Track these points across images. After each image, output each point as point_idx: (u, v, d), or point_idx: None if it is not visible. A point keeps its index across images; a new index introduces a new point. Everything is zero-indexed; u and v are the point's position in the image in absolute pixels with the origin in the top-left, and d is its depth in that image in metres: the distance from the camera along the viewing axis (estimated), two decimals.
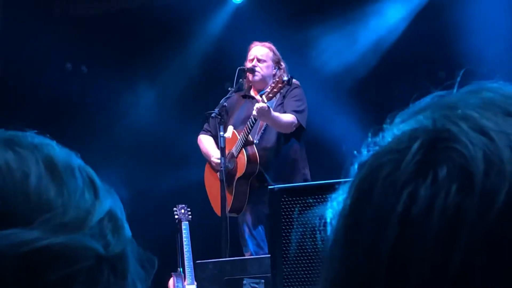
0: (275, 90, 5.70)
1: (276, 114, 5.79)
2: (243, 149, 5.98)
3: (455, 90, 0.77)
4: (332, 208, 0.78)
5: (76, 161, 1.01)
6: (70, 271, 0.88)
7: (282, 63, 6.14)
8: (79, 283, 0.89)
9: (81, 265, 0.90)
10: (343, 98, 7.91)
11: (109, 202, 1.00)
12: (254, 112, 5.68)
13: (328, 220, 0.78)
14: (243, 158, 5.99)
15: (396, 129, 0.75)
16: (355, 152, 0.83)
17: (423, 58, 7.91)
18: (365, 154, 0.77)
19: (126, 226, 1.02)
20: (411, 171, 0.68)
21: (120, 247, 0.98)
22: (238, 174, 6.03)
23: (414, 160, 0.68)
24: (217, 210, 6.07)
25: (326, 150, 7.55)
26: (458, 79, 0.81)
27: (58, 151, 1.00)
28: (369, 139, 0.78)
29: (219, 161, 5.96)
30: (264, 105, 5.62)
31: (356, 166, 0.77)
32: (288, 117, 5.86)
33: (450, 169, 0.66)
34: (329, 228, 0.78)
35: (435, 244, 0.65)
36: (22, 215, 0.90)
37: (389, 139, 0.74)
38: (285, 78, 5.70)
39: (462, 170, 0.66)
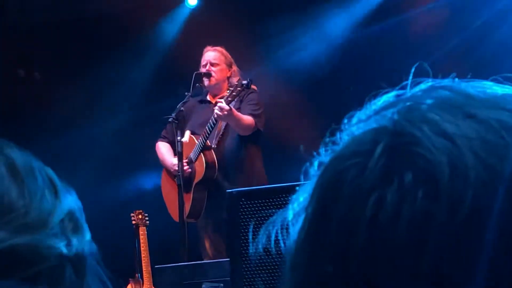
0: (234, 93, 5.70)
1: (238, 114, 5.78)
2: (201, 154, 5.97)
3: (409, 89, 0.76)
4: (293, 210, 0.77)
5: (36, 162, 1.01)
6: (34, 270, 0.88)
7: (234, 66, 6.16)
8: (43, 283, 0.89)
9: (45, 264, 0.89)
10: (300, 99, 7.95)
11: (69, 202, 1.00)
12: (217, 111, 5.64)
13: (289, 222, 0.78)
14: (201, 163, 5.98)
15: (354, 128, 0.74)
16: (314, 152, 0.82)
17: (380, 59, 7.98)
18: (323, 154, 0.77)
19: (86, 226, 1.01)
20: (376, 176, 0.67)
21: (81, 246, 0.97)
22: (197, 179, 6.02)
23: (379, 164, 0.68)
24: (175, 216, 6.05)
25: (283, 152, 7.58)
26: (411, 77, 0.80)
27: (18, 153, 0.99)
28: (327, 139, 0.78)
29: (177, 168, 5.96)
30: (226, 105, 5.61)
31: (315, 167, 0.77)
32: (248, 119, 5.87)
33: (415, 175, 0.66)
34: (290, 231, 0.77)
35: (404, 250, 0.65)
36: None
37: (348, 139, 0.73)
38: (244, 82, 5.70)
39: (427, 176, 0.66)
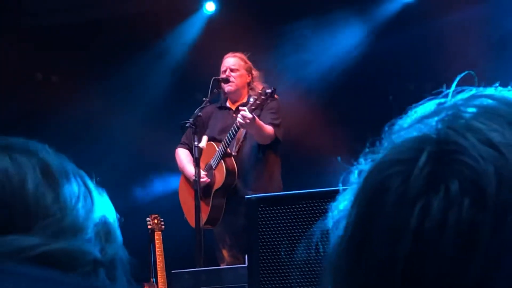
0: (257, 102, 5.65)
1: (260, 123, 5.76)
2: (222, 161, 5.96)
3: (450, 97, 0.76)
4: (333, 217, 0.77)
5: (70, 165, 1.01)
6: (72, 275, 0.88)
7: (254, 71, 6.14)
8: None
9: (80, 270, 0.90)
10: (317, 106, 7.94)
11: (103, 206, 1.00)
12: (239, 120, 5.60)
13: (329, 230, 0.78)
14: (221, 170, 5.97)
15: (395, 136, 0.74)
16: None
17: (392, 70, 7.97)
18: (363, 162, 0.77)
19: (118, 231, 1.02)
20: (421, 184, 0.68)
21: (114, 251, 0.98)
22: (216, 186, 6.01)
23: (424, 172, 0.68)
24: (192, 221, 6.03)
25: (300, 161, 7.58)
26: (454, 86, 0.80)
27: (52, 156, 0.99)
28: (367, 148, 0.78)
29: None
30: (249, 114, 5.58)
31: (355, 175, 0.77)
32: (269, 129, 5.85)
33: (462, 183, 0.66)
34: (330, 238, 0.77)
35: (451, 259, 0.65)
36: (21, 222, 0.89)
37: (390, 147, 0.73)
38: (268, 91, 5.67)
39: (474, 185, 0.66)
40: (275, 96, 5.86)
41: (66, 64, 8.19)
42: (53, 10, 8.20)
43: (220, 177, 5.98)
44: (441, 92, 0.78)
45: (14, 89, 8.14)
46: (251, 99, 5.70)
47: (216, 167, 6.01)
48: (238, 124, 5.67)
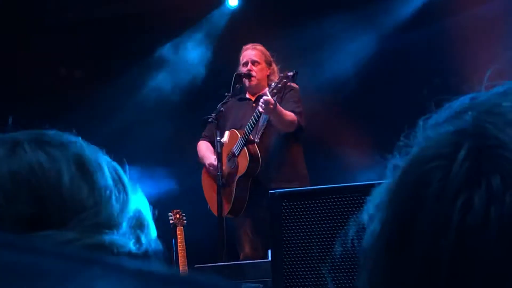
0: (279, 85, 5.65)
1: (281, 108, 5.75)
2: (245, 148, 5.94)
3: (484, 92, 0.76)
4: (368, 212, 0.77)
5: (104, 158, 1.00)
6: None
7: (273, 64, 6.13)
8: None
9: None
10: (340, 103, 7.93)
11: (137, 199, 1.00)
12: (261, 104, 5.59)
13: (365, 224, 0.77)
14: (244, 157, 5.94)
15: (430, 131, 0.74)
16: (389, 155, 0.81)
17: (417, 66, 7.94)
18: (397, 156, 0.76)
19: (152, 224, 1.02)
20: (462, 178, 0.67)
21: (148, 244, 0.98)
22: (239, 174, 5.99)
23: (464, 167, 0.68)
24: (215, 210, 6.03)
25: (321, 152, 7.57)
26: (486, 80, 0.80)
27: (86, 149, 0.99)
28: (401, 142, 0.77)
29: (215, 164, 5.95)
30: (271, 98, 5.58)
31: (390, 169, 0.76)
32: (291, 115, 5.83)
33: (503, 178, 0.66)
34: (368, 233, 0.76)
35: (495, 255, 0.65)
36: (57, 216, 0.89)
37: (426, 142, 0.73)
38: (290, 73, 5.66)
39: None
40: (295, 85, 5.87)
41: (90, 59, 8.23)
42: (77, 6, 8.22)
43: (243, 163, 5.95)
44: (473, 87, 0.78)
45: (39, 84, 8.19)
46: (273, 84, 5.70)
47: (239, 154, 5.98)
48: (260, 109, 5.66)
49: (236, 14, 8.28)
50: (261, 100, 5.61)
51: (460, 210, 0.66)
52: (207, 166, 6.13)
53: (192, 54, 8.41)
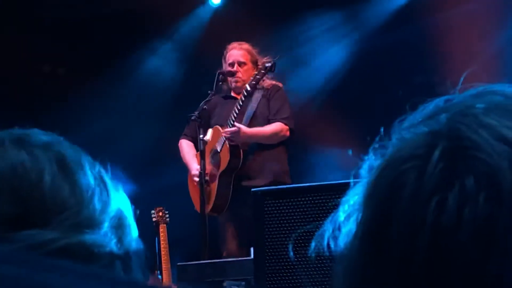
0: (258, 76, 5.67)
1: (254, 130, 5.80)
2: (226, 143, 5.93)
3: (457, 94, 0.77)
4: (344, 212, 0.78)
5: (86, 158, 1.01)
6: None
7: (259, 63, 6.11)
8: None
9: (97, 263, 0.90)
10: (323, 102, 7.95)
11: (118, 199, 1.00)
12: (229, 138, 5.71)
13: (340, 224, 0.78)
14: (226, 152, 5.93)
15: (405, 132, 0.75)
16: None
17: (398, 65, 7.97)
18: (372, 157, 0.77)
19: (134, 224, 1.02)
20: (436, 179, 0.68)
21: (129, 244, 0.98)
22: (221, 168, 5.97)
23: (438, 168, 0.69)
24: (198, 207, 6.01)
25: (306, 154, 7.59)
26: (461, 82, 0.81)
27: (69, 149, 0.99)
28: (375, 144, 0.78)
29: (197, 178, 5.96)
30: (234, 129, 5.63)
31: (365, 170, 0.77)
32: (273, 130, 5.84)
33: (477, 179, 0.67)
34: (341, 232, 0.77)
35: (469, 254, 0.66)
36: (39, 216, 0.89)
37: (401, 143, 0.74)
38: (268, 65, 5.67)
39: (489, 180, 0.67)
40: (278, 83, 5.88)
41: (72, 56, 8.20)
42: (60, 4, 8.19)
43: (225, 159, 5.94)
44: (448, 88, 0.79)
45: (21, 81, 8.15)
46: (252, 77, 5.73)
47: (221, 149, 5.98)
48: (230, 142, 5.74)
49: (219, 11, 8.28)
50: (225, 135, 5.69)
51: (434, 211, 0.67)
52: (192, 175, 6.11)
53: (174, 52, 8.40)
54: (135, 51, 8.28)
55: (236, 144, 5.88)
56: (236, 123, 5.70)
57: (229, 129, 5.64)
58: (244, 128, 5.72)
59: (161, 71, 8.40)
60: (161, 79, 8.41)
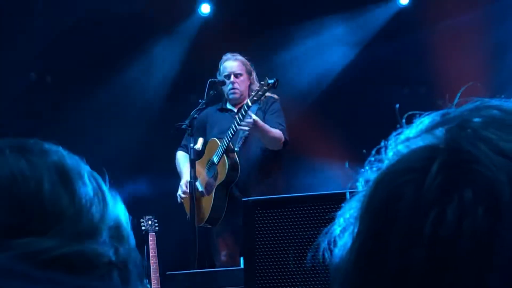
0: (260, 93, 5.66)
1: (265, 126, 5.76)
2: (224, 156, 5.92)
3: (454, 108, 0.77)
4: (339, 225, 0.78)
5: (84, 167, 1.01)
6: (85, 278, 0.89)
7: (253, 73, 6.12)
8: None
9: (95, 272, 0.90)
10: (314, 109, 7.96)
11: (117, 209, 1.00)
12: (243, 127, 5.64)
13: (336, 237, 0.78)
14: (224, 165, 5.92)
15: (401, 146, 0.75)
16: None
17: (386, 76, 7.99)
18: (368, 171, 0.77)
19: (131, 233, 1.02)
20: (435, 193, 0.68)
21: (127, 253, 0.98)
22: (218, 181, 5.97)
23: (436, 181, 0.69)
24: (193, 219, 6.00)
25: (298, 165, 7.59)
26: (458, 96, 0.81)
27: (67, 158, 0.99)
28: (371, 157, 0.78)
29: (185, 195, 5.93)
30: (250, 119, 5.60)
31: (361, 183, 0.77)
32: (277, 133, 5.85)
33: (476, 192, 0.67)
34: (339, 245, 0.77)
35: (467, 268, 0.66)
36: (37, 224, 0.89)
37: (398, 156, 0.74)
38: (270, 81, 5.66)
39: (487, 193, 0.67)
40: (276, 96, 5.88)
41: (60, 65, 8.18)
42: (48, 12, 8.16)
43: (222, 172, 5.93)
44: (445, 103, 0.79)
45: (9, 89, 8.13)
46: (253, 92, 5.71)
47: (218, 162, 5.97)
48: (244, 128, 5.67)
49: (208, 21, 8.29)
50: (244, 121, 5.62)
51: (432, 223, 0.67)
52: (180, 187, 6.13)
53: (164, 60, 8.40)
54: (122, 60, 8.26)
55: (235, 160, 5.89)
56: (252, 114, 5.65)
57: (246, 120, 5.60)
58: (259, 120, 5.71)
59: (150, 80, 8.39)
60: (150, 89, 8.40)
